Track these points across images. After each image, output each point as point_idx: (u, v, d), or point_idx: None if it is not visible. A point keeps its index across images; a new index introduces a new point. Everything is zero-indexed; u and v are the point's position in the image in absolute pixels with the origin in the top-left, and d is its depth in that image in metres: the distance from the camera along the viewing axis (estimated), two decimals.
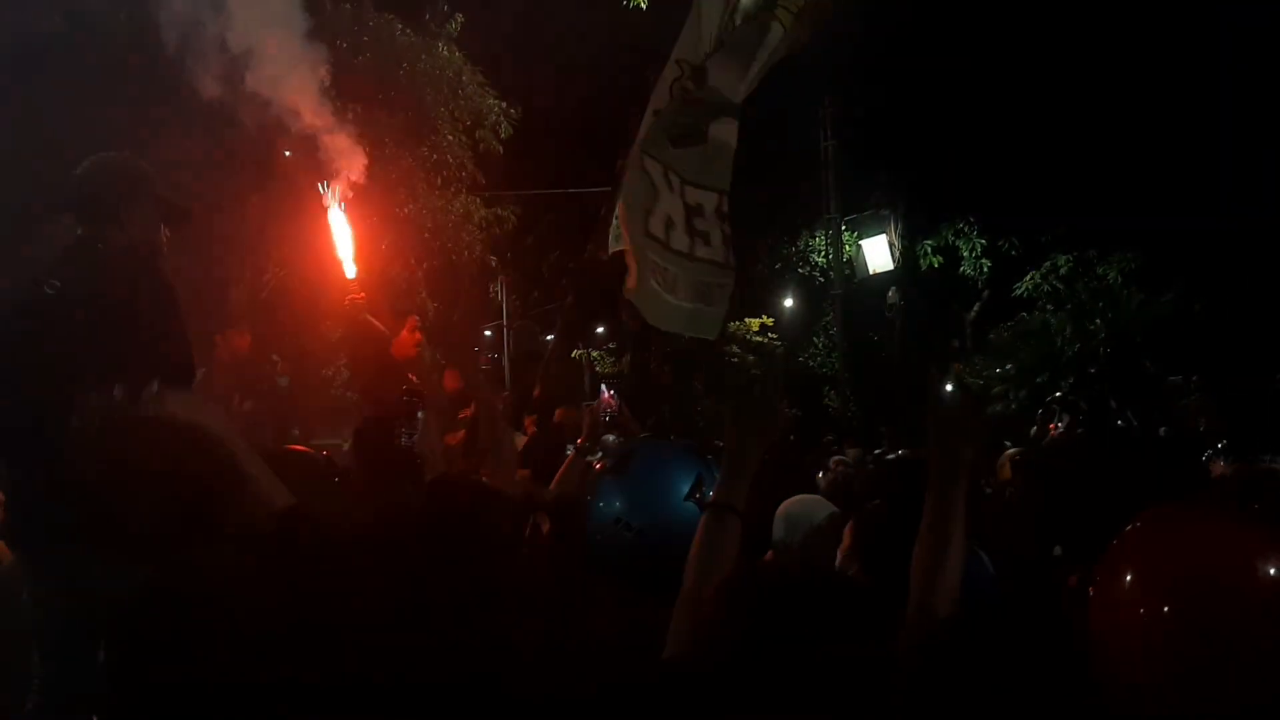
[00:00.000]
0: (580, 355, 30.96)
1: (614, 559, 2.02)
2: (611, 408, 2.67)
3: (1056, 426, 7.59)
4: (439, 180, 13.08)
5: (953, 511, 1.83)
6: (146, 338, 3.02)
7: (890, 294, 21.91)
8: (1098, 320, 20.90)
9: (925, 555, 1.89)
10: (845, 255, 22.82)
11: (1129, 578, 1.41)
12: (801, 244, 25.62)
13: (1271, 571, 1.34)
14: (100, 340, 2.93)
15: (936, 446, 1.95)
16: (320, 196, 5.41)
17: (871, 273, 22.91)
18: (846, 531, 2.58)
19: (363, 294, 5.36)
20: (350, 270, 5.38)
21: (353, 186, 5.57)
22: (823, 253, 23.92)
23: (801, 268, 25.80)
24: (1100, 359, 20.26)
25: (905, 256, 24.44)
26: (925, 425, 1.96)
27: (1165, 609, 1.36)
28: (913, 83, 24.18)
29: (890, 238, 21.73)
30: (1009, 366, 21.90)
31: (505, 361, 27.16)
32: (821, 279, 24.23)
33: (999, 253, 25.69)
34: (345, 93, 11.90)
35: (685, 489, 2.09)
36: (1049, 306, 22.35)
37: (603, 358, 31.15)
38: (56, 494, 2.32)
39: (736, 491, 2.00)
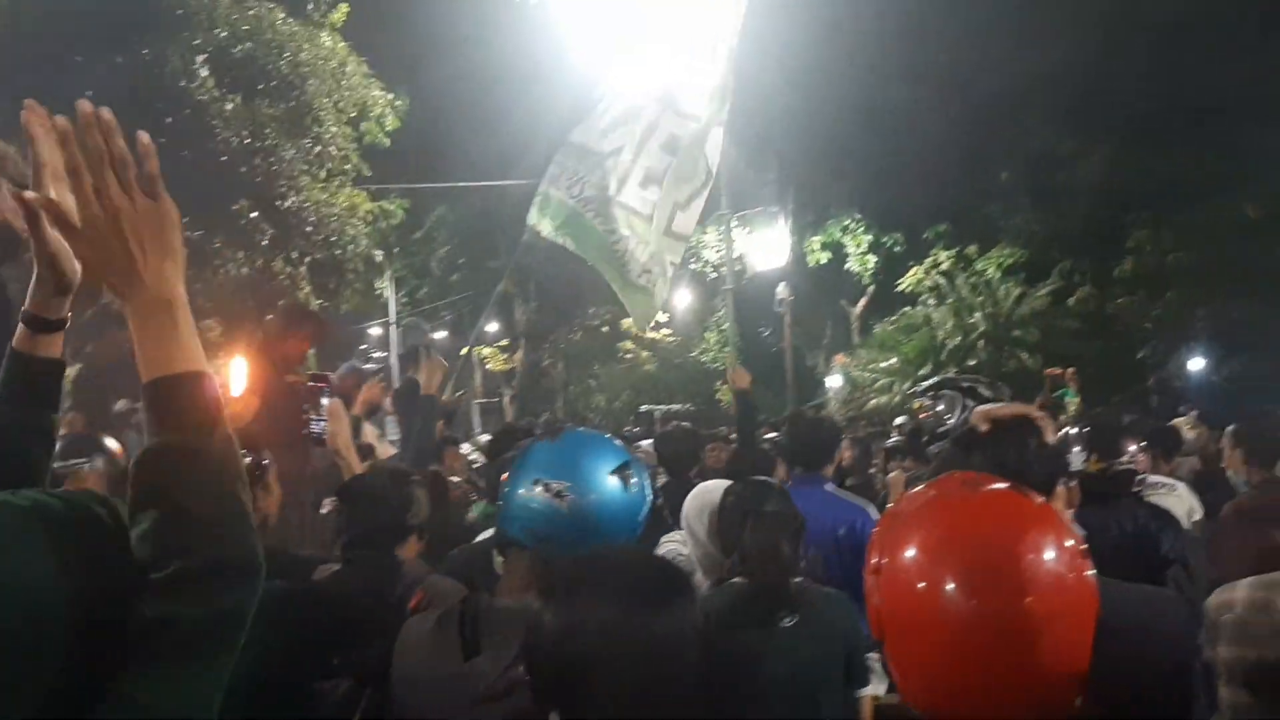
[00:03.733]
0: (474, 353, 30.64)
1: (526, 518, 2.01)
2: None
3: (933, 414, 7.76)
4: (323, 173, 12.75)
5: None
6: None
7: (780, 289, 22.20)
8: (977, 314, 21.60)
9: None
10: (736, 251, 23.06)
11: (907, 552, 1.40)
12: (694, 240, 25.80)
13: (1045, 547, 1.35)
14: None
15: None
16: None
17: (762, 269, 23.22)
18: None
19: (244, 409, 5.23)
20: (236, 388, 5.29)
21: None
22: (715, 249, 24.12)
23: (694, 264, 26.00)
24: (979, 351, 20.94)
25: (794, 253, 24.83)
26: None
27: (939, 582, 1.34)
28: (803, 82, 24.55)
29: (780, 235, 22.01)
30: (893, 360, 22.50)
31: (392, 359, 26.65)
32: (714, 274, 24.44)
33: (884, 249, 26.34)
34: (224, 83, 11.54)
35: (613, 466, 2.06)
36: (931, 301, 22.98)
37: (495, 354, 30.89)
38: None
39: None
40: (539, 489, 2.01)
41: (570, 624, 1.41)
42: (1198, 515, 5.07)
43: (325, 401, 2.55)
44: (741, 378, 5.61)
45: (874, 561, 1.46)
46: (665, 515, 3.89)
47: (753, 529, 2.77)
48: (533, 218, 5.86)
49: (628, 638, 1.39)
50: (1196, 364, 17.52)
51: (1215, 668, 2.52)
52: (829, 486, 4.23)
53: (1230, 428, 5.07)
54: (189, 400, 1.18)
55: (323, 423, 2.54)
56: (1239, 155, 21.06)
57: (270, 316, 6.11)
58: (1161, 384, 12.72)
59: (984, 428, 2.10)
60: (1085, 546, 1.40)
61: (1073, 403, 12.43)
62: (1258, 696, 2.41)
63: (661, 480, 4.99)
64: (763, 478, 3.25)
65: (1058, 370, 13.92)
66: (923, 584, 1.37)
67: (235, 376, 5.23)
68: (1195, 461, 6.47)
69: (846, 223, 26.29)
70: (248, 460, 2.25)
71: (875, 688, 3.03)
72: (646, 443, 5.88)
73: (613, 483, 2.04)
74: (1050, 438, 2.08)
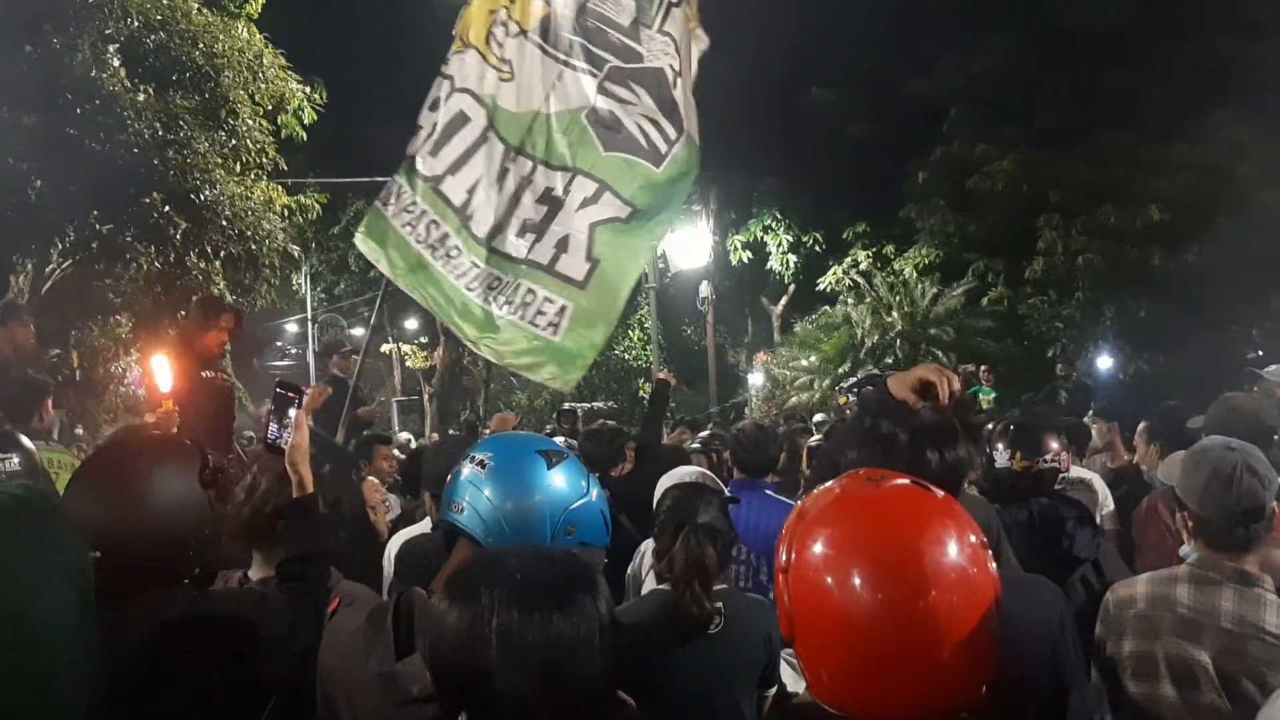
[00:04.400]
0: (391, 350, 30.24)
1: (455, 493, 2.03)
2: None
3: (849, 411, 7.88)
4: (238, 166, 12.47)
5: None
6: None
7: (702, 288, 22.34)
8: (894, 313, 21.99)
9: None
10: (659, 250, 23.14)
11: (814, 549, 1.43)
12: None
13: (947, 542, 1.37)
14: None
15: None
16: None
17: (684, 267, 23.33)
18: None
19: (174, 406, 5.10)
20: (165, 385, 5.18)
21: None
22: None
23: None
24: (896, 349, 21.32)
25: (716, 251, 25.01)
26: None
27: (845, 579, 1.37)
28: (725, 82, 24.68)
29: (702, 233, 22.14)
30: (813, 358, 22.80)
31: (309, 356, 26.20)
32: None
33: (804, 249, 26.68)
34: (136, 73, 11.21)
35: (541, 447, 2.09)
36: (850, 300, 23.34)
37: (414, 352, 30.53)
38: None
39: None
40: (468, 464, 2.04)
41: (472, 624, 1.40)
42: (1109, 509, 5.24)
43: (293, 412, 2.49)
44: (668, 378, 5.78)
45: (782, 560, 1.47)
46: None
47: (683, 543, 2.80)
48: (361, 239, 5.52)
49: (528, 637, 1.38)
50: (1104, 362, 18.11)
51: (1119, 662, 2.60)
52: (769, 490, 4.44)
53: (1143, 423, 5.24)
54: None
55: (287, 432, 2.48)
56: (1144, 161, 21.82)
57: (184, 311, 5.97)
58: (1071, 381, 13.07)
59: (907, 396, 2.14)
60: (986, 541, 1.42)
61: (987, 400, 12.77)
62: (1163, 688, 2.50)
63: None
64: (699, 482, 3.27)
65: (972, 368, 14.31)
66: (829, 581, 1.38)
67: (160, 373, 5.10)
68: (1106, 457, 6.67)
69: (768, 222, 26.57)
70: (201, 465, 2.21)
71: (796, 684, 3.06)
72: (570, 440, 5.83)
73: (537, 459, 2.03)
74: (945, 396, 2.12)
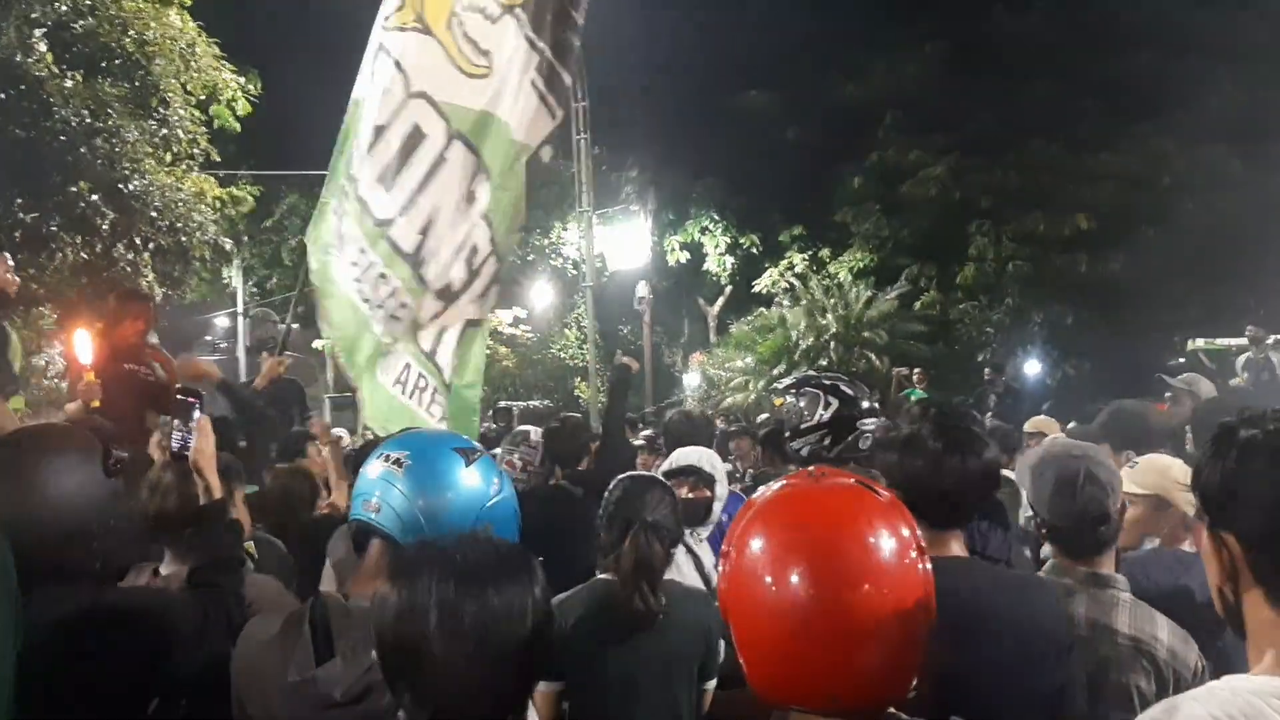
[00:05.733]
0: (326, 347, 29.75)
1: (366, 491, 2.01)
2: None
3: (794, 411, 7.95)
4: (168, 156, 12.18)
5: None
6: None
7: (639, 287, 22.38)
8: (829, 315, 22.25)
9: None
10: (596, 249, 23.18)
11: (753, 541, 1.46)
12: (554, 236, 25.76)
13: (882, 538, 1.41)
14: None
15: None
16: None
17: (622, 267, 23.35)
18: None
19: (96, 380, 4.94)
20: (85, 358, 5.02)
21: None
22: (575, 245, 24.14)
23: (554, 260, 25.93)
24: (831, 351, 21.57)
25: (654, 252, 25.08)
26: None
27: (779, 570, 1.40)
28: (665, 83, 24.83)
29: (640, 233, 22.19)
30: (748, 359, 22.97)
31: (239, 352, 25.73)
32: (574, 271, 24.48)
33: (741, 250, 26.87)
34: (63, 59, 10.91)
35: (456, 445, 2.09)
36: (785, 302, 23.55)
37: None
38: None
39: None
40: (379, 461, 2.01)
41: (410, 603, 1.46)
42: (1029, 513, 5.35)
43: (196, 416, 2.44)
44: (631, 363, 5.73)
45: (725, 549, 1.51)
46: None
47: (633, 541, 2.81)
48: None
49: (464, 608, 1.44)
50: (1032, 367, 18.51)
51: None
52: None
53: (1070, 425, 5.39)
54: None
55: (191, 438, 2.43)
56: (1070, 170, 22.38)
57: (104, 301, 5.82)
58: (1000, 385, 13.34)
59: None
60: (923, 544, 1.46)
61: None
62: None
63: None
64: (650, 474, 3.30)
65: (905, 370, 14.53)
66: (763, 571, 1.41)
67: (81, 347, 4.96)
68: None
69: (705, 223, 26.71)
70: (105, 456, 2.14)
71: None
72: (536, 431, 5.77)
73: (454, 456, 2.02)
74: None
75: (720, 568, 1.52)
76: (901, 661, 1.40)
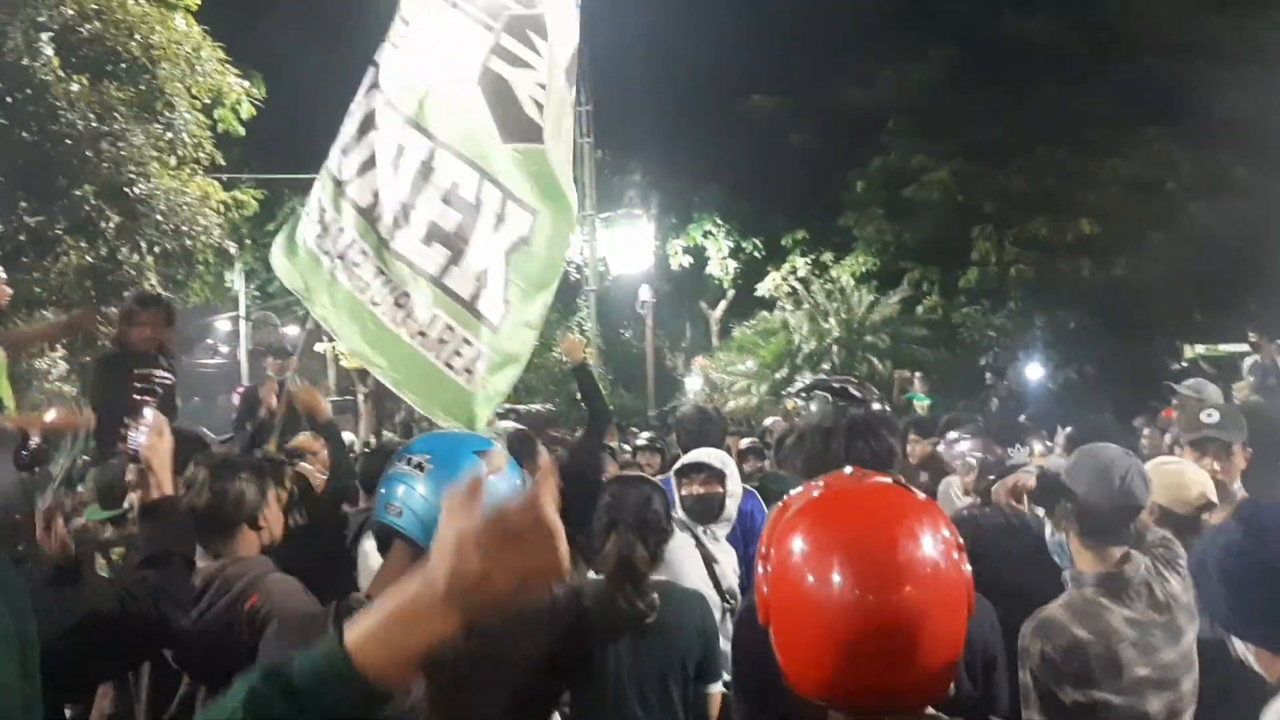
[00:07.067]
0: (325, 350, 29.76)
1: (389, 494, 2.06)
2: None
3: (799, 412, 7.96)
4: (174, 159, 12.21)
5: None
6: None
7: (642, 291, 22.40)
8: (831, 319, 22.25)
9: None
10: (599, 252, 23.19)
11: (794, 542, 1.46)
12: None
13: (923, 539, 1.40)
14: None
15: None
16: None
17: (624, 270, 23.35)
18: None
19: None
20: None
21: None
22: (577, 249, 24.15)
23: None
24: (833, 355, 21.58)
25: (657, 255, 25.09)
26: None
27: (822, 572, 1.39)
28: (669, 88, 24.82)
29: (643, 237, 22.21)
30: (751, 363, 22.98)
31: (241, 355, 25.74)
32: (576, 275, 24.48)
33: (743, 254, 26.88)
34: (70, 63, 10.94)
35: (477, 447, 2.12)
36: (788, 306, 23.56)
37: (349, 353, 30.07)
38: None
39: None
40: (403, 464, 2.05)
41: None
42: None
43: (148, 414, 2.43)
44: (575, 348, 5.62)
45: (763, 550, 1.50)
46: None
47: (614, 542, 2.84)
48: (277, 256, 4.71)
49: None
50: (1034, 371, 18.51)
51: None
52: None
53: (1067, 430, 5.40)
54: None
55: (142, 436, 2.42)
56: (1075, 174, 22.37)
57: (112, 306, 5.79)
58: (1002, 390, 13.36)
59: None
60: (960, 542, 1.46)
61: (921, 406, 12.99)
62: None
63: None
64: (639, 474, 3.32)
65: (907, 374, 14.55)
66: (806, 573, 1.41)
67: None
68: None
69: (708, 227, 26.71)
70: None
71: None
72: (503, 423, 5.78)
73: (475, 459, 2.04)
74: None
75: (758, 568, 1.51)
76: (942, 662, 1.40)
